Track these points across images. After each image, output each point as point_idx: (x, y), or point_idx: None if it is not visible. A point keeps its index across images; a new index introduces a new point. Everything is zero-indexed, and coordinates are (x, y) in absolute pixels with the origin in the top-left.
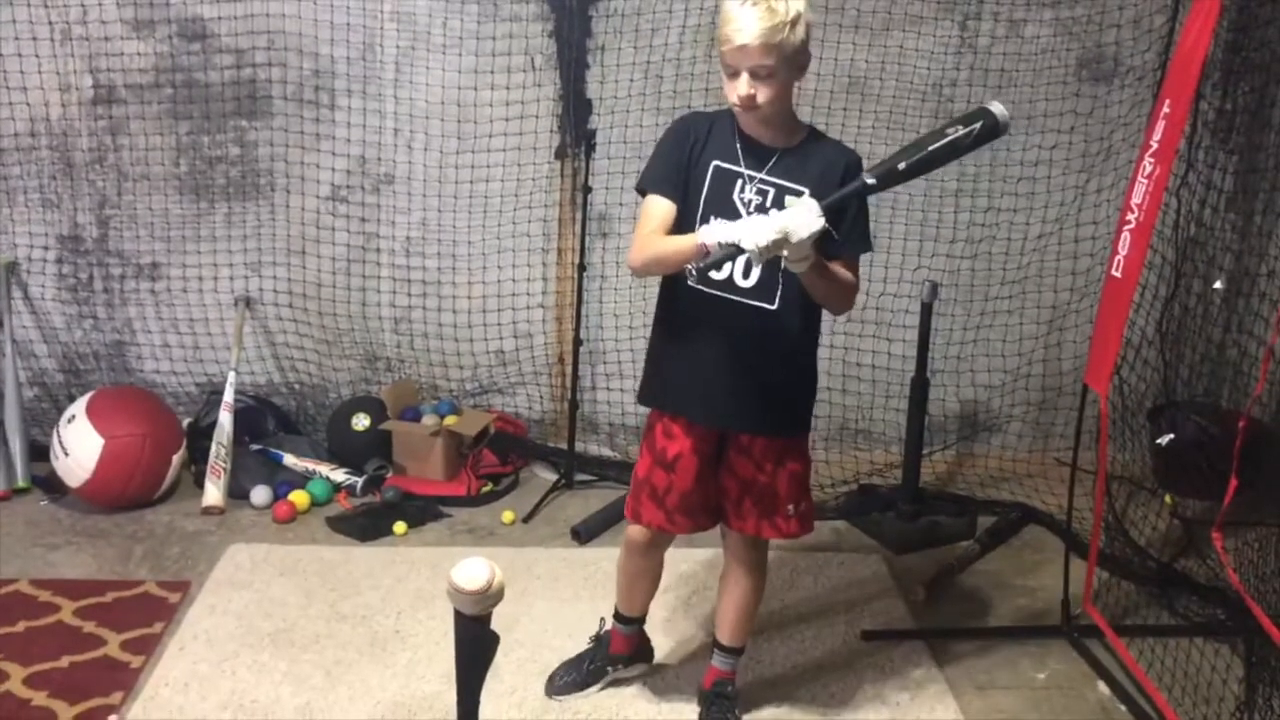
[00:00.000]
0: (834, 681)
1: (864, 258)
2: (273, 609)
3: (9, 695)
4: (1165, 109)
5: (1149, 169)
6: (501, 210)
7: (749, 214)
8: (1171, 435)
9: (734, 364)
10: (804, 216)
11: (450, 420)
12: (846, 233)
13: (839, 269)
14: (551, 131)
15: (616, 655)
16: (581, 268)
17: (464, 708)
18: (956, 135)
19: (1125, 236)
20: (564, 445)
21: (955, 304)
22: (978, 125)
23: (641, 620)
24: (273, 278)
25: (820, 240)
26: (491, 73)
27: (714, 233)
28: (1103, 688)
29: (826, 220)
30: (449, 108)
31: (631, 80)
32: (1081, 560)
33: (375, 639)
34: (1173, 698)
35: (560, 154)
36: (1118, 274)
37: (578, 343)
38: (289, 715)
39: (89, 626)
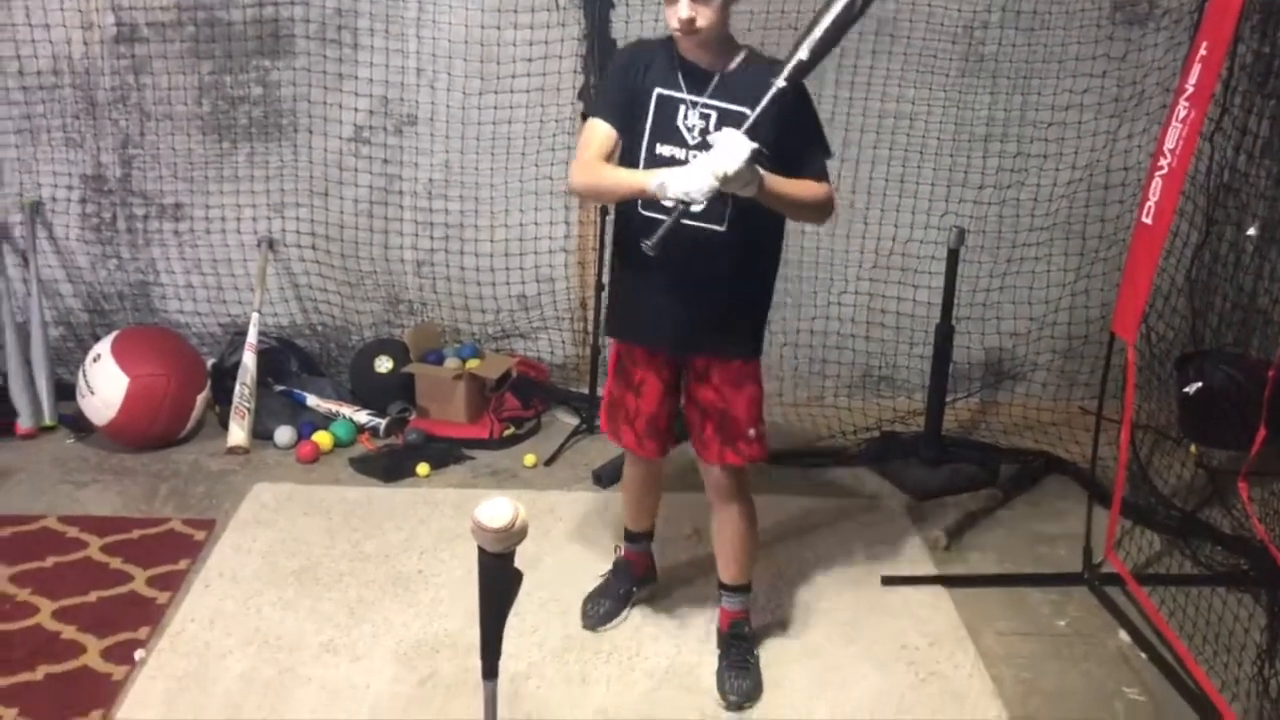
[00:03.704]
0: (854, 627)
1: (889, 203)
2: (297, 548)
3: (39, 628)
4: (1202, 51)
5: (1183, 113)
6: (524, 153)
7: (692, 141)
8: (1199, 384)
9: (685, 288)
10: (731, 147)
11: (473, 364)
12: (802, 146)
13: (801, 181)
14: (575, 72)
15: (638, 577)
16: (604, 212)
17: (487, 644)
18: (845, 1)
19: (1157, 182)
20: (585, 390)
21: (982, 250)
22: None
23: (649, 536)
24: (295, 219)
25: (766, 156)
26: (515, 11)
27: (660, 184)
28: (1123, 635)
29: (756, 138)
30: (472, 47)
31: (656, 20)
32: (1104, 509)
33: (398, 578)
34: (1194, 646)
35: (584, 95)
36: (1148, 220)
37: (600, 287)
38: (312, 651)
39: (116, 563)
